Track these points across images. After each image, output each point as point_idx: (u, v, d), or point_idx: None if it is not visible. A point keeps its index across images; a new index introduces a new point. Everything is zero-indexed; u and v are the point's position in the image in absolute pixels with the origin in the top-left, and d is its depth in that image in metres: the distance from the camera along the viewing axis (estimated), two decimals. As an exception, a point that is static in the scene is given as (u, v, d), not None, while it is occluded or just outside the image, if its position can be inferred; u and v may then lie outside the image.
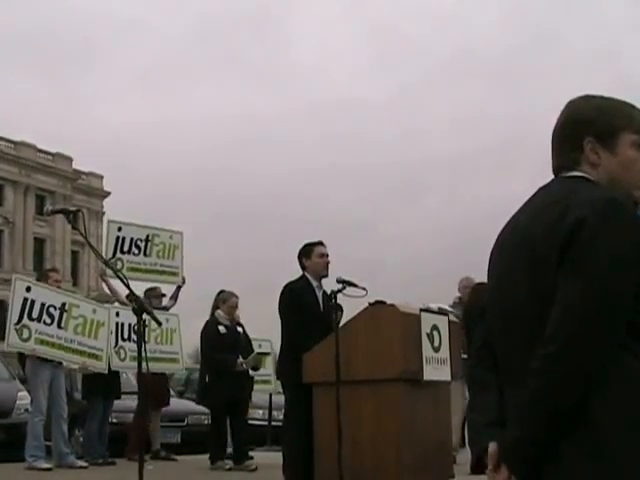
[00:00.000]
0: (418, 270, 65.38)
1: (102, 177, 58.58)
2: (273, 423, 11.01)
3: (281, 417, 8.17)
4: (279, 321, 6.20)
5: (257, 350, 9.29)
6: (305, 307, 6.08)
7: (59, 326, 8.07)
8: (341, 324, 5.90)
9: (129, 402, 9.16)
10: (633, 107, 1.91)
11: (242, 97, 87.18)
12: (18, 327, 7.75)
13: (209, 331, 8.52)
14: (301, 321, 6.00)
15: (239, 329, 8.84)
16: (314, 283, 6.27)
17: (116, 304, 9.01)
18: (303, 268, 6.33)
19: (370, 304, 5.76)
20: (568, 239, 1.67)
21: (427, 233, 75.30)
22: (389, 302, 5.79)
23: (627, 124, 1.86)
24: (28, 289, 7.97)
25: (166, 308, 9.52)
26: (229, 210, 71.42)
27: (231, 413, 8.37)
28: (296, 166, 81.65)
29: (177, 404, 10.55)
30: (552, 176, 1.92)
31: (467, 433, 5.95)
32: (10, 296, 7.97)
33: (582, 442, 1.63)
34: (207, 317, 8.83)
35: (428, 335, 5.83)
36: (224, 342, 8.38)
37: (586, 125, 1.86)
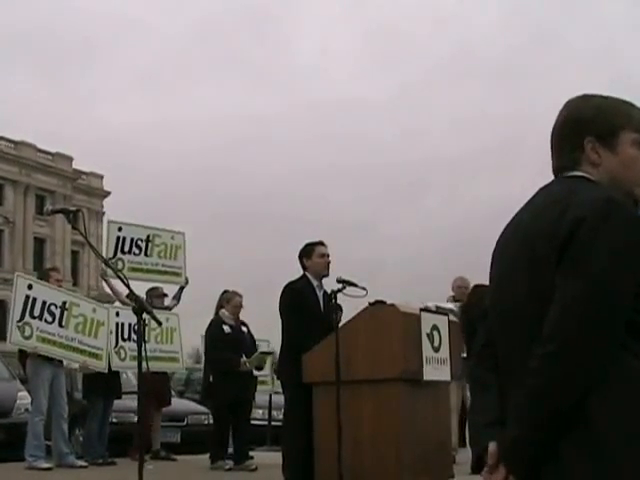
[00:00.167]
0: (418, 270, 65.49)
1: (102, 177, 58.60)
2: (273, 423, 11.02)
3: (281, 417, 8.18)
4: (279, 321, 6.20)
5: (260, 350, 9.27)
6: (306, 307, 6.08)
7: (60, 324, 8.08)
8: (341, 324, 5.90)
9: (129, 402, 9.15)
10: (632, 105, 1.91)
11: (242, 97, 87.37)
12: (20, 325, 7.76)
13: (213, 330, 8.52)
14: (301, 321, 6.00)
15: (244, 329, 8.82)
16: (315, 283, 6.27)
17: (117, 304, 9.02)
18: (304, 268, 6.34)
19: (370, 304, 5.76)
20: (567, 238, 1.67)
21: (427, 233, 75.47)
22: (389, 302, 5.79)
23: (627, 123, 1.86)
24: (30, 287, 7.99)
25: (168, 308, 9.54)
26: (229, 210, 71.55)
27: (234, 413, 8.36)
28: (296, 166, 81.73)
29: (177, 404, 10.54)
30: (552, 176, 1.92)
31: (468, 433, 5.96)
32: (12, 293, 7.99)
33: (581, 442, 1.62)
34: (206, 317, 8.85)
35: (428, 335, 5.82)
36: (228, 342, 8.37)
37: (586, 125, 1.86)
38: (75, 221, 4.11)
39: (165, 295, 9.64)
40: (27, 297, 7.86)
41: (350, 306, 6.16)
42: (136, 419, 8.61)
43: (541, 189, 1.89)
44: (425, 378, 5.69)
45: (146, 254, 9.33)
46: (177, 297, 9.72)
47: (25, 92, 72.80)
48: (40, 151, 53.61)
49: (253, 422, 9.18)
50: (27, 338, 7.78)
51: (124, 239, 9.18)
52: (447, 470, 6.11)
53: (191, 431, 10.78)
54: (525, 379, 1.67)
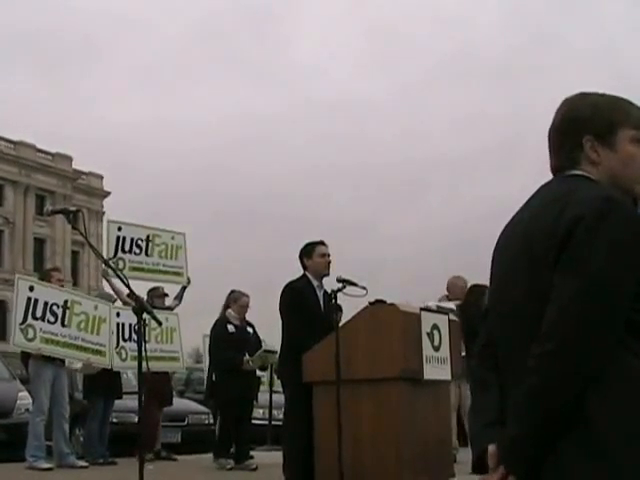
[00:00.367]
0: (418, 270, 65.39)
1: (102, 177, 58.58)
2: (273, 422, 11.01)
3: (281, 416, 8.18)
4: (279, 321, 6.21)
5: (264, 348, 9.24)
6: (306, 306, 6.08)
7: (62, 324, 8.09)
8: (341, 323, 5.90)
9: (130, 402, 9.14)
10: (629, 102, 1.90)
11: (242, 97, 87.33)
12: (23, 327, 7.76)
13: (217, 330, 8.52)
14: (302, 320, 6.00)
15: (249, 329, 8.80)
16: (315, 283, 6.27)
17: (118, 303, 9.03)
18: (304, 268, 6.33)
19: (370, 303, 5.76)
20: (565, 237, 1.67)
21: (427, 233, 75.41)
22: (389, 301, 5.79)
23: (625, 120, 1.85)
24: (31, 288, 7.99)
25: (170, 308, 9.55)
26: (229, 210, 71.52)
27: (237, 412, 8.36)
28: (296, 166, 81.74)
29: (178, 404, 10.53)
30: (552, 176, 1.92)
31: (468, 432, 5.96)
32: (14, 296, 7.98)
33: (581, 441, 1.62)
34: (206, 316, 8.88)
35: (428, 334, 5.82)
36: (232, 341, 8.36)
37: (584, 123, 1.85)
38: (75, 221, 4.12)
39: (166, 295, 9.64)
40: (29, 299, 7.86)
41: (350, 306, 6.16)
42: (137, 419, 8.61)
43: (541, 188, 1.88)
44: (425, 377, 5.69)
45: (147, 254, 9.34)
46: (179, 297, 9.72)
47: (25, 92, 72.90)
48: (40, 151, 53.58)
49: (253, 421, 9.18)
50: (30, 340, 7.78)
51: (124, 239, 9.18)
52: (448, 469, 6.11)
53: (192, 431, 10.78)
54: (524, 378, 1.67)
